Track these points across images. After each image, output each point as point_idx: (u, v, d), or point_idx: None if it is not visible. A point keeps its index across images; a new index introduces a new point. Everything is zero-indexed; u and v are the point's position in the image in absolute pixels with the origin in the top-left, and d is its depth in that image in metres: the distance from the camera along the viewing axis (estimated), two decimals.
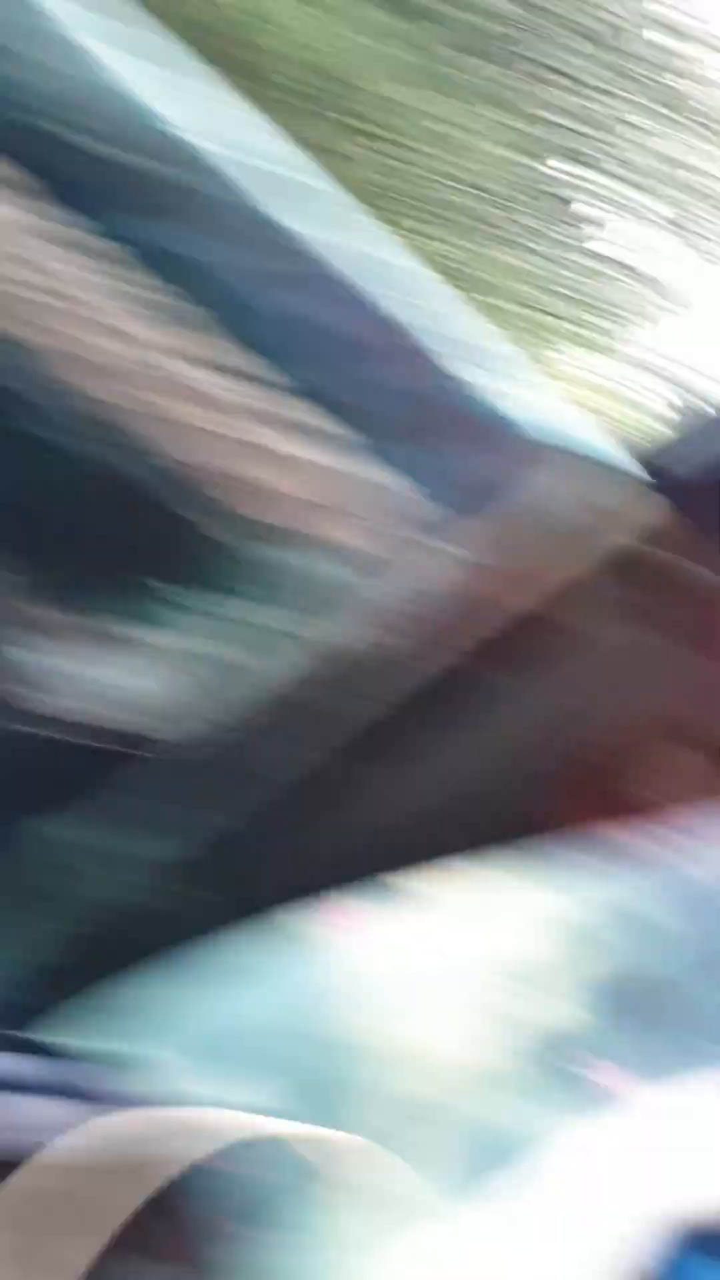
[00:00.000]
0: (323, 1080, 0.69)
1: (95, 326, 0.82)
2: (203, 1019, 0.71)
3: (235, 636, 0.89)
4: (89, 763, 0.87)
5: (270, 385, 0.84)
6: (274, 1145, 0.63)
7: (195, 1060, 0.68)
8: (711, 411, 0.95)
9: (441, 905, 0.78)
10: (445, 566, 0.91)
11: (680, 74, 4.25)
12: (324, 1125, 0.56)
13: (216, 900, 0.89)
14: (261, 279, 0.82)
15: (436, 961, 0.75)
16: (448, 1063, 0.70)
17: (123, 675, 0.88)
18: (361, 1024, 0.71)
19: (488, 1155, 0.67)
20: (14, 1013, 0.76)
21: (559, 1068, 0.71)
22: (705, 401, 0.93)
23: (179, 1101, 0.54)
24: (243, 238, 0.81)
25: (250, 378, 0.83)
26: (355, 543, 0.89)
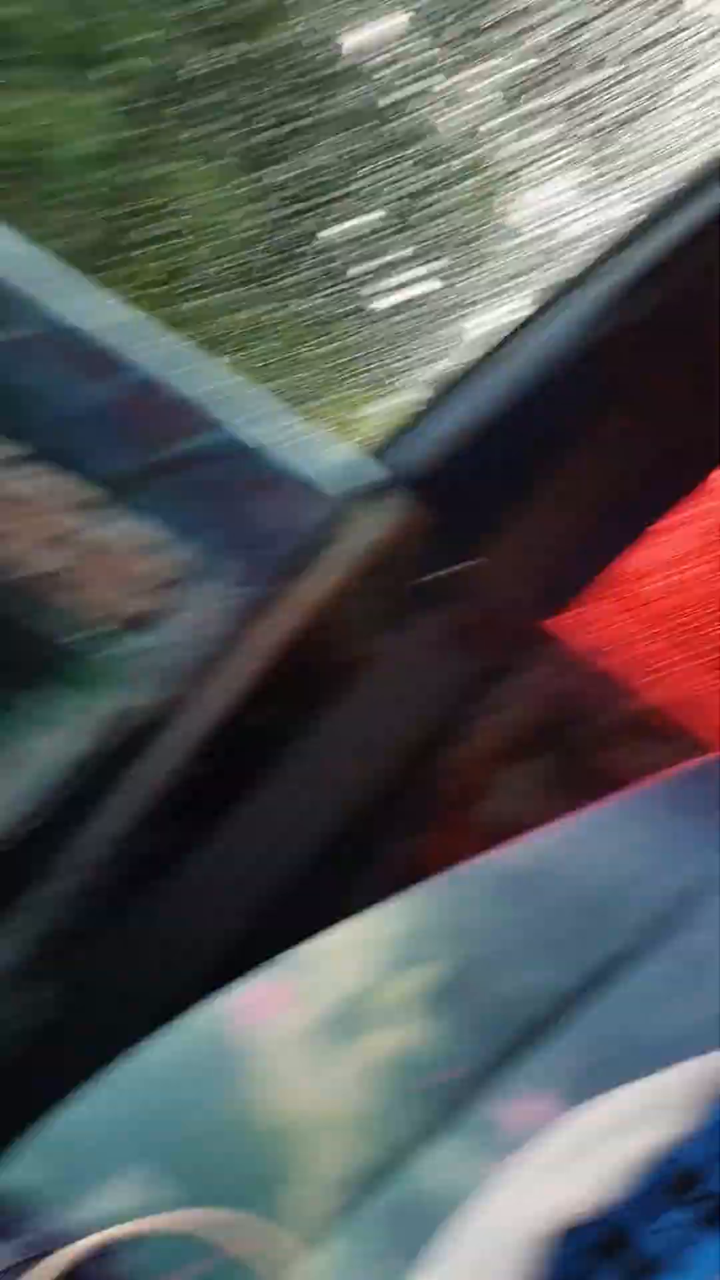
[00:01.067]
0: (238, 1168, 0.67)
1: None
2: (125, 1123, 0.68)
3: (40, 721, 0.86)
4: None
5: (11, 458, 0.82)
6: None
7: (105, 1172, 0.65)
8: (429, 411, 0.96)
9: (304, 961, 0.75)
10: (222, 612, 0.89)
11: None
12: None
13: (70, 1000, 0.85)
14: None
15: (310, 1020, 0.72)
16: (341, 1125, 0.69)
17: None
18: (276, 1102, 0.68)
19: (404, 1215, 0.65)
20: None
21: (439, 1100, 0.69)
22: (427, 405, 0.94)
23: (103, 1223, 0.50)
24: None
25: None
26: (129, 604, 0.86)
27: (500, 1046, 0.72)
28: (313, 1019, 0.72)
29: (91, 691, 0.87)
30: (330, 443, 0.93)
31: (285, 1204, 0.65)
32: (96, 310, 0.84)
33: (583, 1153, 0.62)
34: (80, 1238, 0.46)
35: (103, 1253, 0.47)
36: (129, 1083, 0.69)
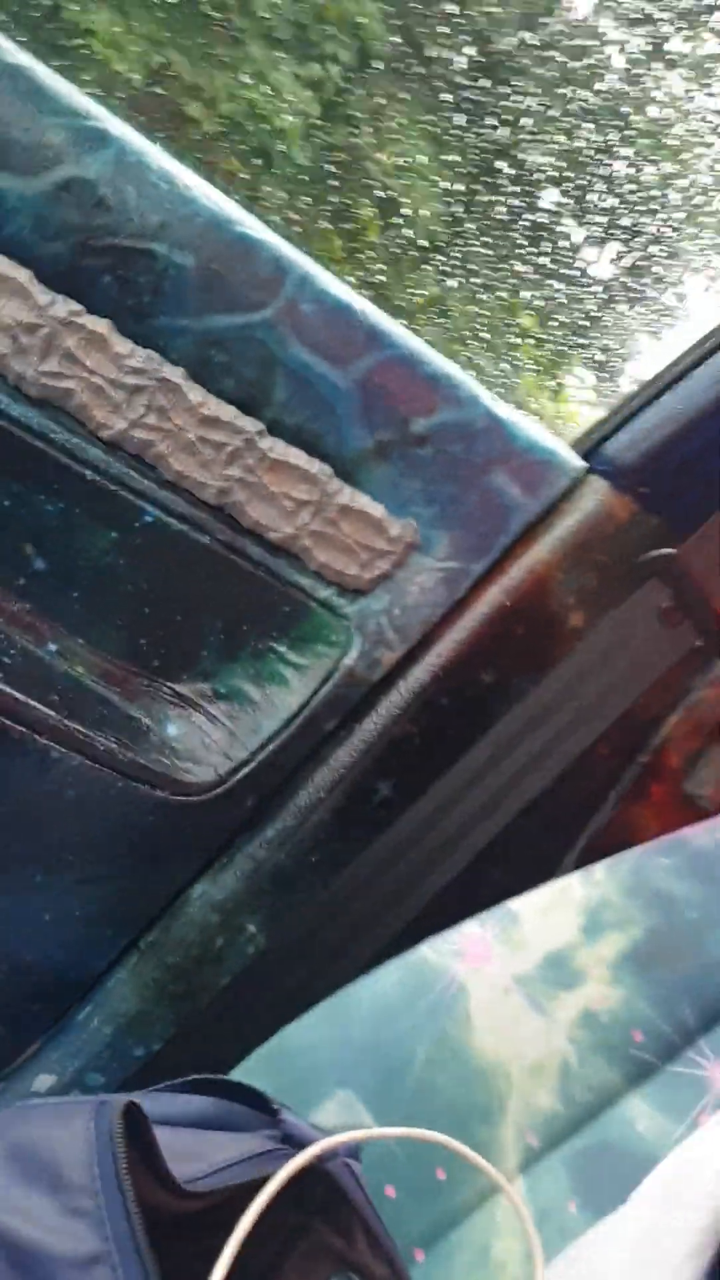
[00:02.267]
0: (440, 1104, 0.71)
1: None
2: (338, 1051, 0.73)
3: (269, 674, 0.92)
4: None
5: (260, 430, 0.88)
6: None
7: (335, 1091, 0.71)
8: (648, 398, 0.98)
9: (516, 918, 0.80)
10: (433, 580, 0.94)
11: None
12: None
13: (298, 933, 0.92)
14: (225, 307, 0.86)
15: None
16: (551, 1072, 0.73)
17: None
18: (481, 1045, 0.73)
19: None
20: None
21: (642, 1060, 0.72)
22: (643, 391, 0.96)
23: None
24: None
25: (228, 424, 0.86)
26: (358, 570, 0.91)
27: (694, 1011, 0.74)
28: (519, 970, 0.76)
29: (318, 649, 0.92)
30: (547, 427, 0.96)
31: (483, 1143, 0.69)
32: (342, 289, 0.88)
33: None
34: (323, 1137, 0.52)
35: (342, 1154, 0.52)
36: (343, 1013, 0.75)
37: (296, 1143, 0.52)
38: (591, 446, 0.99)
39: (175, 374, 0.84)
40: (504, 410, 0.92)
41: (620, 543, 0.98)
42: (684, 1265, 0.56)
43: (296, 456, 0.88)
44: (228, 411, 0.86)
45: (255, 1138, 0.53)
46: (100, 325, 0.83)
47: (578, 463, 0.97)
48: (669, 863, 0.82)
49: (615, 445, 0.98)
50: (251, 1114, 0.56)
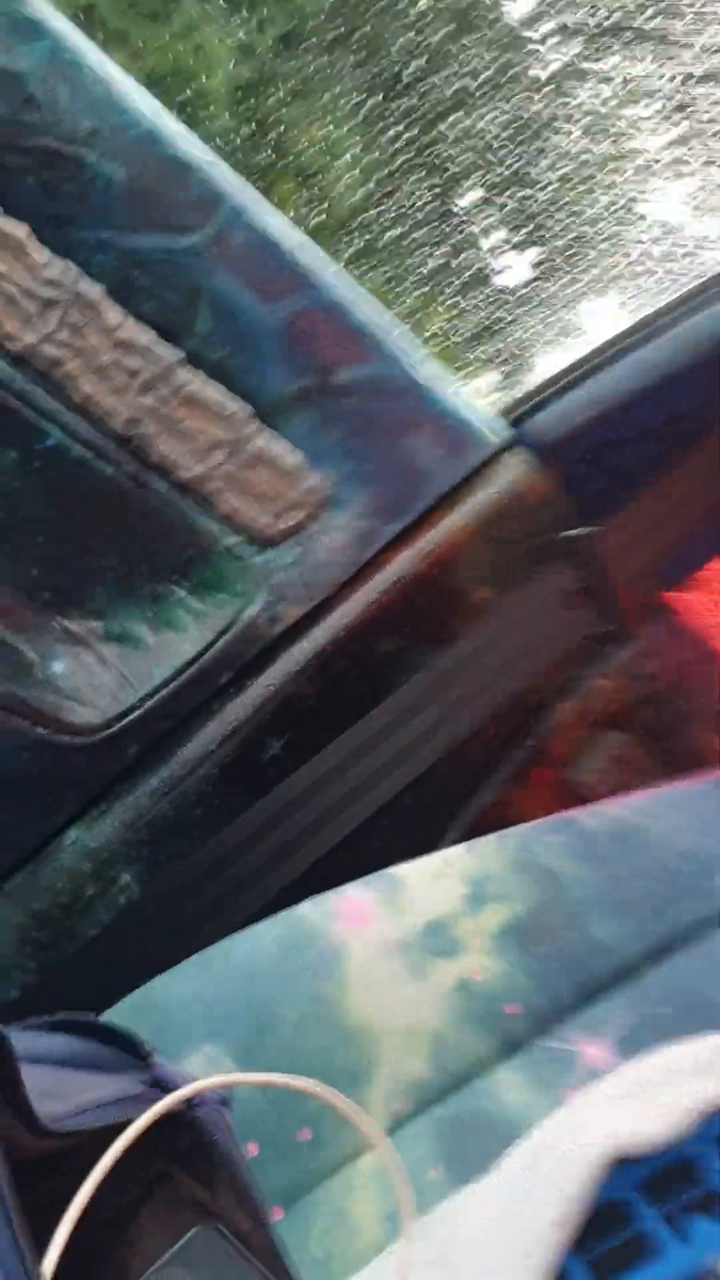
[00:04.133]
0: (309, 1062, 0.70)
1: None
2: (209, 1005, 0.71)
3: (166, 619, 0.89)
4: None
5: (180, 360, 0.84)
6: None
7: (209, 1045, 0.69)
8: (576, 378, 0.98)
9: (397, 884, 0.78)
10: (344, 538, 0.92)
11: None
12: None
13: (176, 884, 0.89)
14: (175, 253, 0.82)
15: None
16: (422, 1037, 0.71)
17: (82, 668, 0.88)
18: (355, 1007, 0.71)
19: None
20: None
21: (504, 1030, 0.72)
22: (571, 370, 0.96)
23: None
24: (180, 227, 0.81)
25: (145, 350, 0.83)
26: (268, 520, 0.89)
27: (571, 989, 0.74)
28: (399, 935, 0.74)
29: (219, 598, 0.89)
30: (471, 397, 0.94)
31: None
32: (278, 225, 0.85)
33: (644, 1093, 0.64)
34: (191, 1082, 0.49)
35: (212, 1102, 0.50)
36: (216, 968, 0.73)
37: (167, 1087, 0.49)
38: (515, 420, 0.98)
39: (94, 290, 0.80)
40: (432, 371, 0.90)
41: (534, 520, 0.97)
42: (546, 1233, 0.55)
43: (214, 392, 0.84)
44: (146, 336, 0.82)
45: (124, 1080, 0.51)
46: (18, 229, 0.79)
47: (500, 434, 0.96)
48: (558, 841, 0.82)
49: (539, 421, 0.97)
50: (122, 1057, 0.53)
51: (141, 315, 0.82)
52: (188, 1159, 0.52)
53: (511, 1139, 0.63)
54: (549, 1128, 0.63)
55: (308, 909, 0.74)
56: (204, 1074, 0.67)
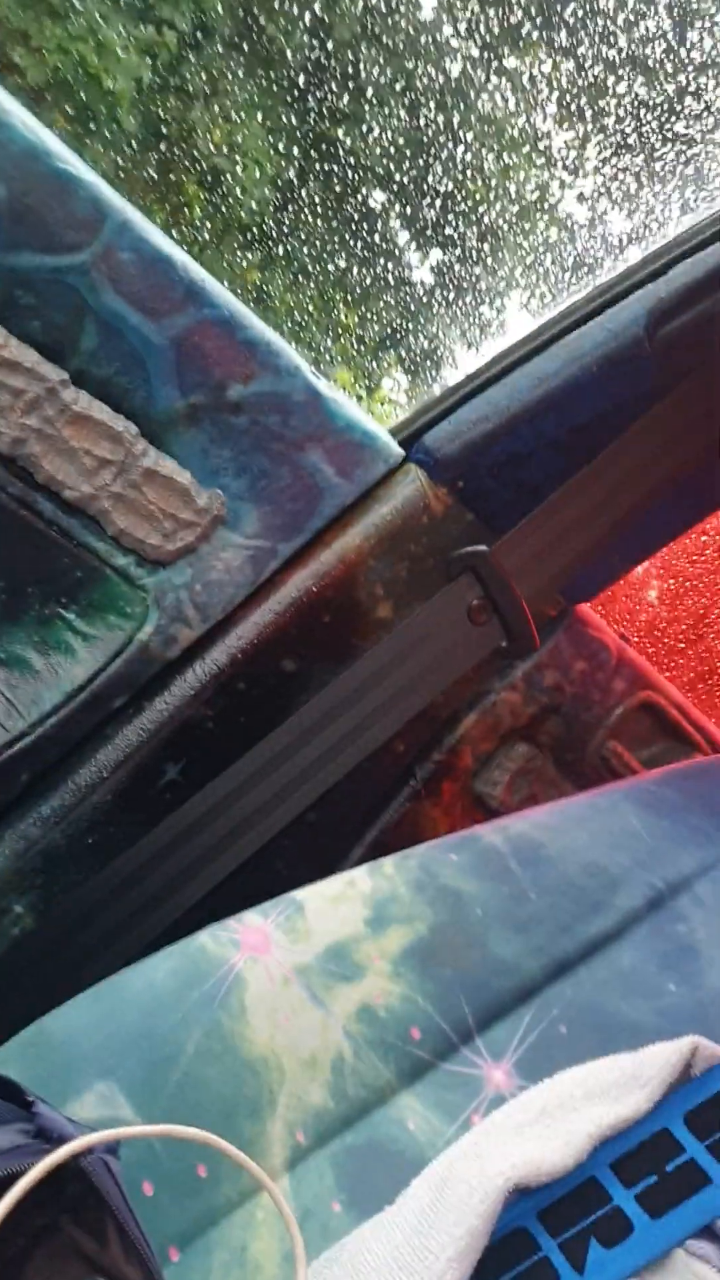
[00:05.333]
0: (207, 1096, 0.67)
1: None
2: (104, 1040, 0.68)
3: (56, 641, 0.87)
4: None
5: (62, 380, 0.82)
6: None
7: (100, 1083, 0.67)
8: (471, 391, 0.98)
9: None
10: (239, 558, 0.90)
11: None
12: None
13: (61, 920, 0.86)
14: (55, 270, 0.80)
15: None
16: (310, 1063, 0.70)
17: None
18: (254, 1037, 0.70)
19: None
20: None
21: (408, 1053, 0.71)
22: (466, 384, 0.96)
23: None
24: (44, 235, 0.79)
25: (29, 370, 0.80)
26: (160, 539, 0.87)
27: (473, 1010, 0.73)
28: (299, 960, 0.73)
29: (110, 620, 0.87)
30: (365, 413, 0.94)
31: (250, 1139, 0.67)
32: (165, 242, 0.83)
33: (545, 1119, 0.64)
34: (80, 1132, 0.48)
35: (99, 1150, 0.49)
36: (111, 1001, 0.71)
37: (51, 1137, 0.48)
38: (411, 435, 0.97)
39: None
40: (324, 387, 0.89)
41: (434, 535, 0.97)
42: (448, 1269, 0.55)
43: (100, 411, 0.82)
44: (29, 356, 0.80)
45: (6, 1131, 0.49)
46: None
47: (396, 449, 0.95)
48: (458, 859, 0.81)
49: (435, 436, 0.97)
50: (3, 1106, 0.51)
51: (25, 335, 0.80)
52: (76, 1209, 0.50)
53: (415, 1168, 0.62)
54: (451, 1158, 0.62)
55: (206, 938, 0.73)
56: (95, 1113, 0.66)
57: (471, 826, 0.85)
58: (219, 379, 0.85)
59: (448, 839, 0.83)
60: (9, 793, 0.86)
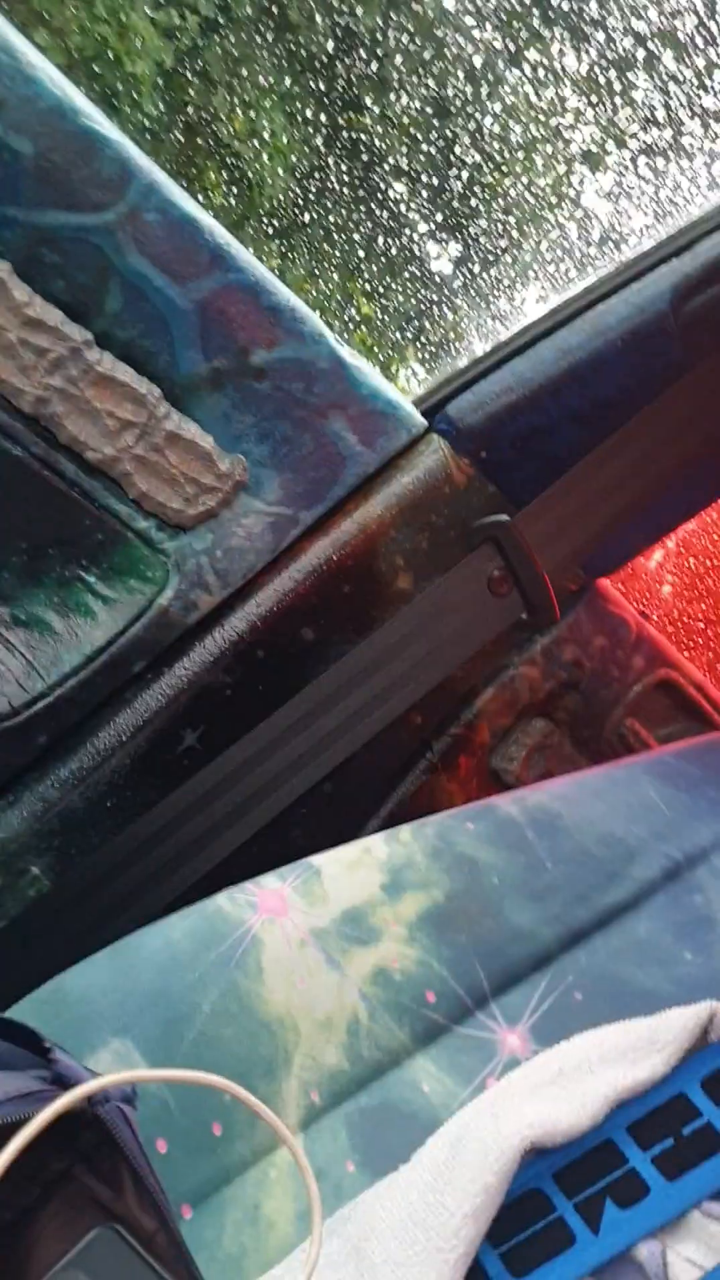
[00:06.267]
0: (223, 1054, 0.67)
1: None
2: (120, 999, 0.69)
3: (75, 604, 0.86)
4: None
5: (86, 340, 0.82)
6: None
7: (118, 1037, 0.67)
8: (495, 363, 0.97)
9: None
10: (260, 525, 0.90)
11: None
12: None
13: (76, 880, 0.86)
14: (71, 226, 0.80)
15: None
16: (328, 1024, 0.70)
17: None
18: (270, 997, 0.70)
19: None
20: None
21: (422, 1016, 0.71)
22: (490, 355, 0.96)
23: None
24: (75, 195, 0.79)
25: (53, 329, 0.80)
26: (181, 504, 0.87)
27: (489, 976, 0.73)
28: (315, 924, 0.73)
29: (130, 584, 0.87)
30: (395, 383, 0.93)
31: (265, 1098, 0.67)
32: (191, 205, 0.83)
33: (560, 1082, 0.63)
34: (93, 1078, 0.48)
35: (115, 1098, 0.49)
36: (128, 960, 0.71)
37: (68, 1084, 0.47)
38: (434, 405, 0.97)
39: (0, 268, 0.78)
40: (348, 354, 0.89)
41: (456, 506, 0.96)
42: (463, 1226, 0.55)
43: (124, 373, 0.82)
44: (54, 315, 0.80)
45: (22, 1077, 0.49)
46: None
47: (419, 419, 0.95)
48: (475, 828, 0.81)
49: (459, 407, 0.97)
50: (20, 1053, 0.51)
51: (50, 294, 0.80)
52: (90, 1158, 0.50)
53: (429, 1130, 0.62)
54: (466, 1118, 0.62)
55: (223, 900, 0.73)
56: (113, 1070, 0.66)
57: (490, 797, 0.85)
58: (243, 344, 0.85)
59: (465, 808, 0.83)
60: (27, 754, 0.86)
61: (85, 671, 0.86)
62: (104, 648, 0.86)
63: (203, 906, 0.72)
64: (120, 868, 0.85)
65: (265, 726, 0.89)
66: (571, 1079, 0.63)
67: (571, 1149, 0.59)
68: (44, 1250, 0.47)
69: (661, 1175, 0.58)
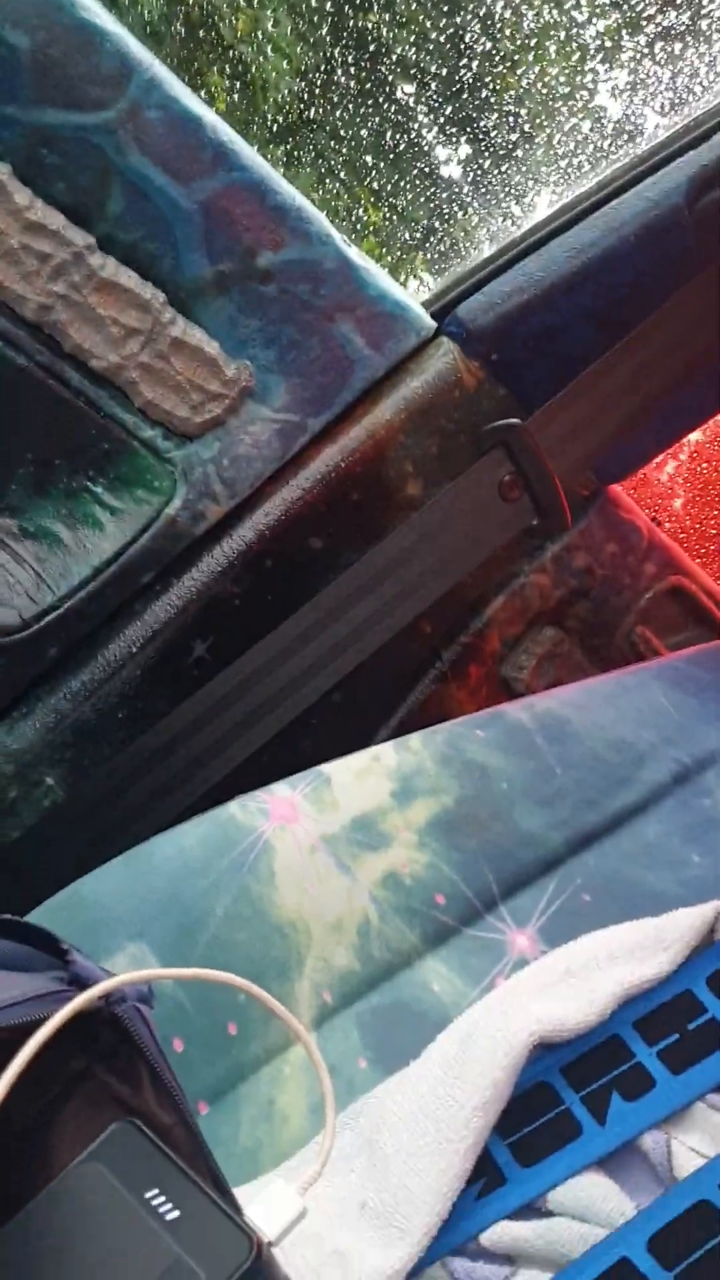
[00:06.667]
0: (238, 957, 0.69)
1: None
2: (135, 904, 0.70)
3: (84, 515, 0.86)
4: None
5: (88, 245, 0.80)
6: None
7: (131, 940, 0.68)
8: (505, 263, 0.95)
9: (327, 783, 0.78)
10: (268, 432, 0.89)
11: None
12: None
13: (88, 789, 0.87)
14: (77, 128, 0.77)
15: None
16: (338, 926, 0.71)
17: None
18: (282, 901, 0.71)
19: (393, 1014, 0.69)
20: None
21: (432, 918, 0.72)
22: (500, 255, 0.94)
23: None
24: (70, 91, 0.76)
25: (55, 234, 0.78)
26: (188, 411, 0.86)
27: (498, 879, 0.74)
28: (326, 830, 0.74)
29: (138, 494, 0.87)
30: (399, 286, 0.91)
31: (278, 998, 0.68)
32: (194, 101, 0.80)
33: (568, 979, 0.65)
34: (110, 978, 0.48)
35: (132, 998, 0.49)
36: (142, 867, 0.72)
37: (85, 985, 0.48)
38: (444, 307, 0.95)
39: (0, 170, 0.76)
40: (356, 256, 0.87)
41: (466, 410, 0.95)
42: (472, 1118, 0.56)
43: (128, 278, 0.81)
44: (56, 219, 0.78)
45: (41, 978, 0.50)
46: None
47: (429, 322, 0.93)
48: (484, 735, 0.81)
49: (469, 308, 0.95)
50: (38, 955, 0.52)
51: (51, 197, 0.78)
52: (109, 1056, 0.51)
53: (439, 1028, 0.64)
54: (476, 1014, 0.64)
55: (235, 807, 0.74)
56: (129, 972, 0.67)
57: (499, 704, 0.85)
58: (248, 245, 0.83)
59: (474, 716, 0.83)
60: (38, 666, 0.86)
61: (94, 583, 0.86)
62: (112, 559, 0.86)
63: (215, 814, 0.73)
64: (133, 777, 0.86)
65: (274, 636, 0.89)
66: (579, 977, 0.64)
67: (579, 1044, 0.61)
68: (65, 1145, 0.48)
69: (667, 1069, 0.59)
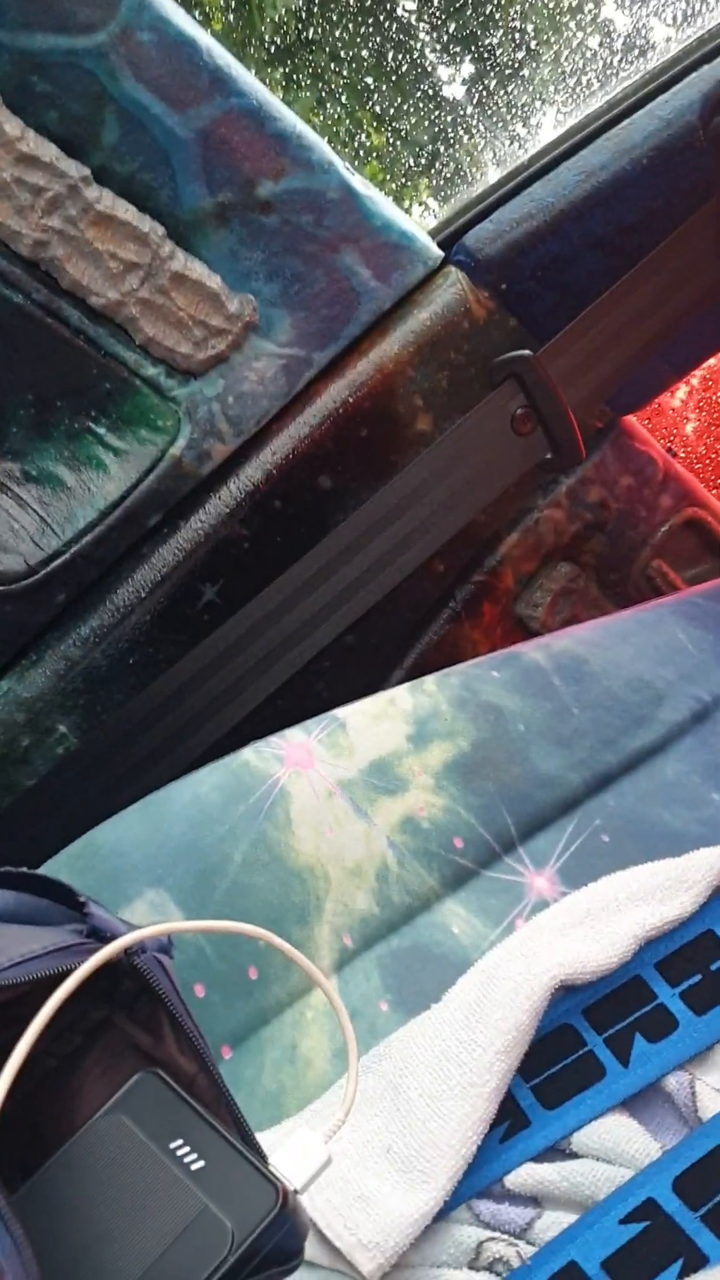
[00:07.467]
0: (256, 903, 0.69)
1: None
2: (152, 852, 0.70)
3: (87, 456, 0.84)
4: None
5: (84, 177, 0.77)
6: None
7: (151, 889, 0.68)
8: (514, 189, 0.92)
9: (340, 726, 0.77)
10: (272, 368, 0.87)
11: None
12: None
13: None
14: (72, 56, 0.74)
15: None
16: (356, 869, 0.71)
17: None
18: (300, 846, 0.71)
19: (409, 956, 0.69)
20: None
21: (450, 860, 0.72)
22: (508, 180, 0.90)
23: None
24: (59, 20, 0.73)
25: (49, 165, 0.76)
26: (190, 348, 0.83)
27: (516, 821, 0.74)
28: (342, 775, 0.73)
29: (141, 434, 0.85)
30: (404, 214, 0.88)
31: (298, 942, 0.68)
32: (189, 24, 0.77)
33: (589, 921, 0.64)
34: (128, 930, 0.48)
35: (151, 948, 0.49)
36: (159, 814, 0.71)
37: (104, 937, 0.48)
38: (451, 235, 0.92)
39: None
40: (359, 184, 0.84)
41: (476, 342, 0.92)
42: (495, 1061, 0.56)
43: (125, 211, 0.78)
44: (49, 150, 0.75)
45: (59, 931, 0.49)
46: None
47: (436, 251, 0.90)
48: (499, 676, 0.80)
49: (477, 236, 0.92)
50: (56, 908, 0.52)
51: (43, 127, 0.75)
52: (130, 1006, 0.51)
53: (459, 970, 0.63)
54: (497, 958, 0.63)
55: (250, 754, 0.73)
56: (148, 921, 0.67)
57: (515, 644, 0.84)
58: (248, 175, 0.80)
59: (490, 657, 0.82)
60: (47, 613, 0.85)
61: (100, 527, 0.84)
62: (118, 502, 0.84)
63: (230, 761, 0.72)
64: (146, 724, 0.85)
65: (285, 579, 0.88)
66: (600, 918, 0.64)
67: (600, 986, 0.61)
68: (88, 1097, 0.48)
69: (690, 1010, 0.59)
